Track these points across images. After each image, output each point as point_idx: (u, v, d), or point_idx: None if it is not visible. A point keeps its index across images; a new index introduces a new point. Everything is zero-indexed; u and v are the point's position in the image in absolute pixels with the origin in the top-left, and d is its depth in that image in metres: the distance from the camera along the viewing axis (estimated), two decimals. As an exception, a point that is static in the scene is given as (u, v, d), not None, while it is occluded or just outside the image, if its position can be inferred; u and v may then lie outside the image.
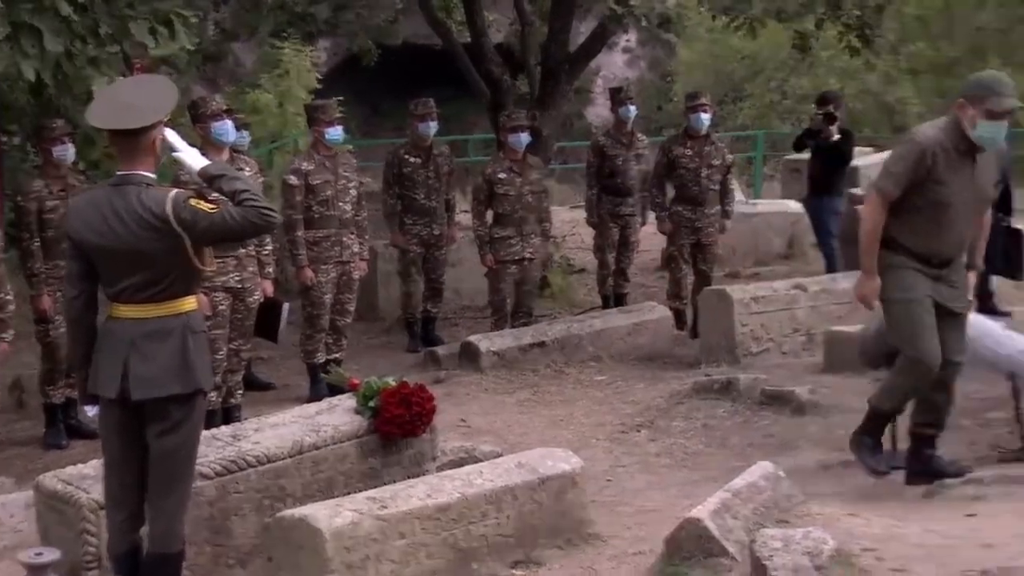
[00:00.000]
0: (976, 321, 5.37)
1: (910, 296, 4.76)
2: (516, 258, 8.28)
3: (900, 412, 4.98)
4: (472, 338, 7.94)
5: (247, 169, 6.58)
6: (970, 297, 5.07)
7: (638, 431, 6.37)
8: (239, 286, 6.54)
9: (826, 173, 9.22)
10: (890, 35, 13.93)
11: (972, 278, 5.08)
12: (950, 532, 4.04)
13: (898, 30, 17.09)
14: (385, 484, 4.34)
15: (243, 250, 6.49)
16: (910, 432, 5.02)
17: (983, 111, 4.61)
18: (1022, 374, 5.21)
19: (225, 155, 6.32)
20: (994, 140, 4.70)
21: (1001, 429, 5.37)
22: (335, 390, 5.72)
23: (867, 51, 10.08)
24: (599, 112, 19.87)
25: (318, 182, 7.26)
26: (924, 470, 4.92)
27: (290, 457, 4.41)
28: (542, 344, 7.88)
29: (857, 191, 11.09)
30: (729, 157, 8.79)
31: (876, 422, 4.96)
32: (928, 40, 18.60)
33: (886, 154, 14.15)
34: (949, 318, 4.80)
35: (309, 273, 7.26)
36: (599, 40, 10.41)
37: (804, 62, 15.47)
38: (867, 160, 12.73)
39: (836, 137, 9.07)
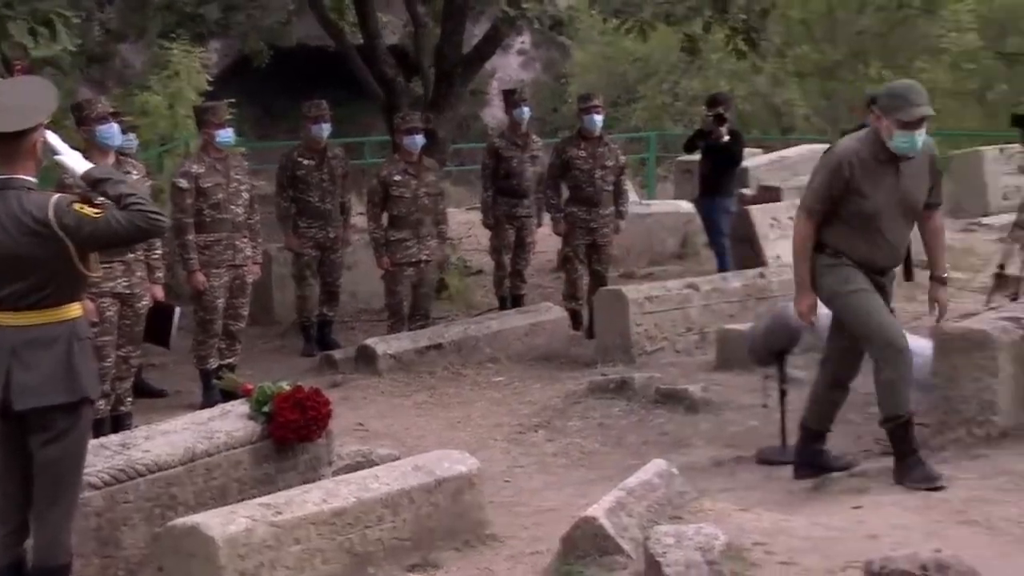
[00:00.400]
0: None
1: (854, 287, 4.74)
2: (412, 260, 8.26)
3: (912, 412, 4.74)
4: (369, 341, 7.90)
5: (134, 172, 6.47)
6: (935, 315, 4.99)
7: (535, 431, 6.40)
8: (127, 291, 6.41)
9: (717, 174, 9.38)
10: (776, 38, 14.21)
11: (942, 293, 4.99)
12: (836, 524, 4.14)
13: (784, 33, 17.47)
14: (280, 490, 4.29)
15: (131, 255, 6.36)
16: (801, 426, 5.13)
17: (895, 121, 4.65)
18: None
19: (111, 158, 6.21)
20: (911, 149, 4.72)
21: (885, 422, 5.52)
22: (228, 396, 5.63)
23: (754, 54, 10.28)
24: (495, 114, 19.91)
25: (209, 185, 7.16)
26: (812, 464, 5.04)
27: (182, 465, 4.34)
28: (439, 346, 7.88)
29: (747, 191, 11.35)
30: (622, 158, 8.89)
31: (902, 433, 4.70)
32: (812, 43, 19.05)
33: (774, 155, 14.51)
34: None
35: (200, 277, 7.15)
36: (492, 42, 10.45)
37: (694, 65, 15.72)
38: (756, 161, 13.02)
39: (726, 138, 9.23)
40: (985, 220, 11.60)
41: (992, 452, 4.90)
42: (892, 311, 4.94)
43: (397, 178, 8.23)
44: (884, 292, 4.87)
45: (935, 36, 17.51)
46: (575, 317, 8.62)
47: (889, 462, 4.84)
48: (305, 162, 8.45)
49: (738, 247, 9.63)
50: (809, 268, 4.84)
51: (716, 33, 10.24)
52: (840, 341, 4.94)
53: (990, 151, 12.51)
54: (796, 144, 15.47)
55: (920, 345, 5.41)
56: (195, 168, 7.19)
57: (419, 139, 8.30)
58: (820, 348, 6.09)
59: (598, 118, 8.61)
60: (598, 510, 3.97)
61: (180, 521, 3.91)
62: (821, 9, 18.89)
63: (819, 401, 5.07)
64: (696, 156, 9.86)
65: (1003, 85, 17.26)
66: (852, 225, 4.77)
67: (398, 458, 4.93)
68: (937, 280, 5.03)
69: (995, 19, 18.49)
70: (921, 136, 4.72)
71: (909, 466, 4.67)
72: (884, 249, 4.83)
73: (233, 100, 8.50)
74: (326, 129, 8.45)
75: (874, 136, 4.78)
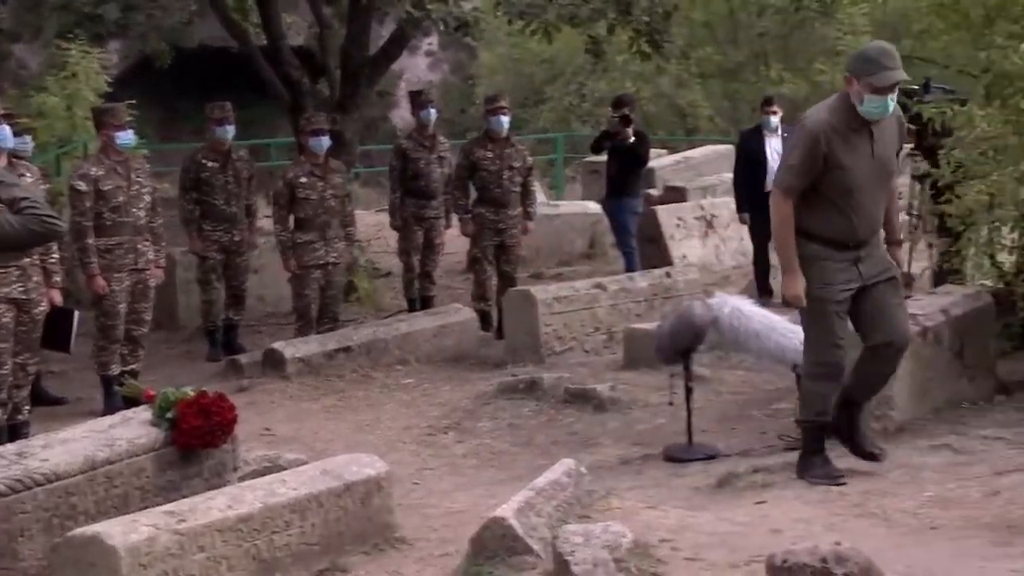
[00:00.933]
0: (764, 316, 5.62)
1: (826, 295, 4.61)
2: (320, 263, 8.20)
3: (829, 417, 4.75)
4: (276, 345, 7.82)
5: (28, 176, 6.34)
6: (905, 269, 4.97)
7: (445, 433, 6.41)
8: (23, 297, 6.25)
9: (623, 174, 9.48)
10: (679, 40, 14.37)
11: (899, 253, 5.01)
12: (741, 519, 4.22)
13: (687, 35, 17.67)
14: (184, 497, 4.22)
15: (27, 259, 6.20)
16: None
17: (867, 86, 4.53)
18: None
19: (2, 161, 6.08)
20: (883, 114, 4.60)
21: (787, 419, 5.63)
22: (131, 403, 5.52)
23: (657, 56, 10.37)
24: (403, 115, 19.80)
25: (109, 187, 7.02)
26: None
27: (81, 473, 4.23)
28: (348, 349, 7.83)
29: (653, 192, 11.48)
30: (530, 159, 8.93)
31: (817, 434, 4.75)
32: (715, 45, 19.32)
33: (679, 156, 14.63)
34: (884, 290, 4.68)
35: (101, 282, 7.01)
36: (399, 43, 10.42)
37: (599, 66, 15.82)
38: (662, 161, 13.17)
39: (632, 139, 9.33)
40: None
41: (889, 446, 5.03)
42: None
43: (303, 180, 8.16)
44: (861, 263, 4.67)
45: (832, 39, 17.84)
46: (484, 318, 8.63)
47: (791, 457, 4.94)
48: (209, 164, 8.34)
49: (645, 247, 9.75)
50: (794, 250, 4.64)
51: (620, 35, 10.32)
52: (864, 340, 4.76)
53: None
54: (700, 145, 15.69)
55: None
56: (94, 170, 7.04)
57: (325, 140, 8.25)
58: (724, 346, 6.20)
59: (505, 119, 8.64)
60: (507, 510, 3.97)
61: (80, 531, 3.81)
62: (723, 11, 19.16)
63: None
64: (603, 157, 9.94)
65: (897, 86, 17.72)
66: (832, 201, 4.61)
67: (306, 462, 4.88)
68: (896, 243, 4.99)
69: (888, 22, 18.92)
70: (893, 100, 4.60)
71: (814, 463, 4.73)
72: (862, 220, 4.66)
73: (133, 101, 8.33)
74: (230, 131, 8.36)
75: (845, 102, 4.62)
